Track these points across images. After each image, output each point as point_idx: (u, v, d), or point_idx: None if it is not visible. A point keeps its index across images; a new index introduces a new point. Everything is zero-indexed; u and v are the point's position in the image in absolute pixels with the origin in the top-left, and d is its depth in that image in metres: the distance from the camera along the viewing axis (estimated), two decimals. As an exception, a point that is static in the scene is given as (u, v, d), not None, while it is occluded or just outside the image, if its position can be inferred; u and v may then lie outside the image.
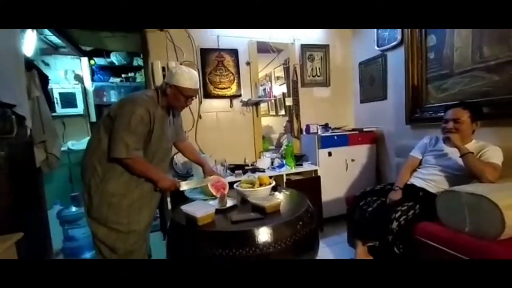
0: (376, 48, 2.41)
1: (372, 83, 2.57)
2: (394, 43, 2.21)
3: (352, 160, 2.42)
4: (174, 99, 1.27)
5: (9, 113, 1.31)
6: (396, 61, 2.25)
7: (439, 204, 1.34)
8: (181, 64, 2.21)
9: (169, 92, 1.25)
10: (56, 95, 3.05)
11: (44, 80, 1.88)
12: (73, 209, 2.07)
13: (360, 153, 2.46)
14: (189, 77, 1.25)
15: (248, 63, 2.42)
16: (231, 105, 2.40)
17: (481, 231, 1.16)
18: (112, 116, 1.18)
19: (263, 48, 2.49)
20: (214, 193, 1.37)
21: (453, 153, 1.50)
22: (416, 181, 1.61)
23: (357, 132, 2.47)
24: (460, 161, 1.42)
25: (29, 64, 1.71)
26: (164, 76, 2.13)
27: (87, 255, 2.03)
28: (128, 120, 1.14)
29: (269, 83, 3.14)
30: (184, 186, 1.37)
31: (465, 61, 1.72)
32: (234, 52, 2.36)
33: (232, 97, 2.39)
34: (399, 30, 2.15)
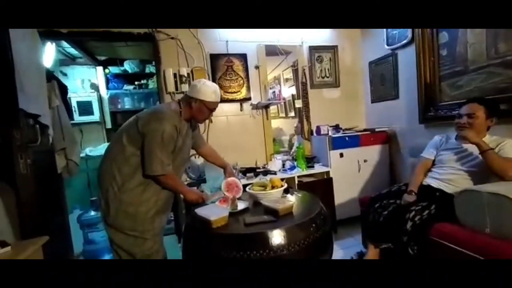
0: (386, 47, 2.38)
1: (383, 82, 2.53)
2: (405, 41, 2.18)
3: (365, 161, 2.39)
4: (199, 112, 1.32)
5: (34, 123, 1.39)
6: (407, 59, 2.21)
7: (457, 204, 1.31)
8: (191, 70, 2.27)
9: (193, 105, 1.30)
10: (74, 103, 3.18)
11: (63, 90, 1.97)
12: (92, 213, 2.15)
13: (373, 153, 2.43)
14: (213, 91, 1.31)
15: (257, 67, 2.45)
16: (241, 109, 2.43)
17: (503, 232, 1.13)
18: (140, 131, 1.20)
19: (272, 51, 2.51)
20: (226, 193, 1.37)
21: (469, 150, 1.46)
22: (432, 181, 1.57)
23: (369, 132, 2.44)
24: (476, 158, 1.38)
25: (49, 75, 1.80)
26: (175, 82, 2.19)
27: (107, 257, 2.10)
28: (160, 138, 1.17)
29: (278, 85, 3.16)
30: (210, 198, 1.39)
31: (480, 57, 1.67)
32: (243, 57, 2.39)
33: (242, 101, 2.42)
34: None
